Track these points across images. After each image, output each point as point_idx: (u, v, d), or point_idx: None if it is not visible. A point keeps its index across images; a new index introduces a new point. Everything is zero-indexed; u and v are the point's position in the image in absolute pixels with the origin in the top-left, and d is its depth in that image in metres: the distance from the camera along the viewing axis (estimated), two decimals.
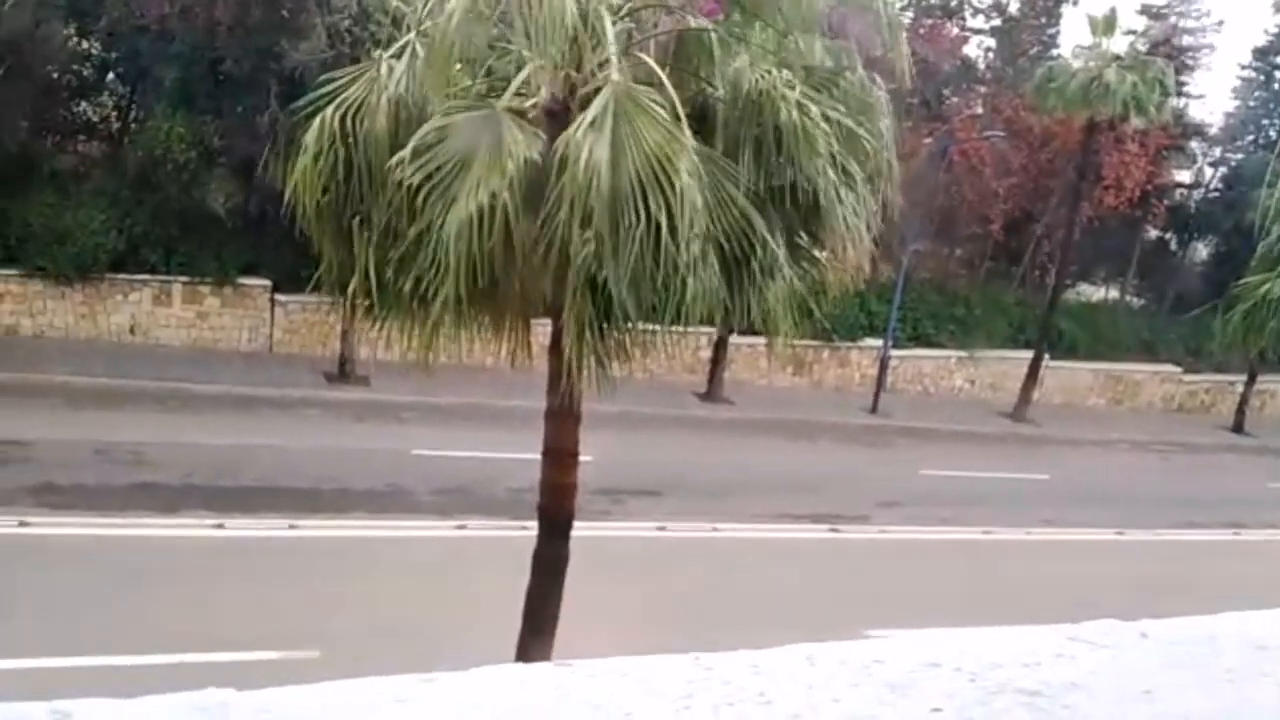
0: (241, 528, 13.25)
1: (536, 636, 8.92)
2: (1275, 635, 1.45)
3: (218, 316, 22.30)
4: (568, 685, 1.09)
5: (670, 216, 6.91)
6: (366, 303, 8.30)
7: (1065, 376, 29.70)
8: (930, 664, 1.24)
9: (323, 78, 8.38)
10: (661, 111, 7.22)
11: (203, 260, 21.66)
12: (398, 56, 8.03)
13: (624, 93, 7.18)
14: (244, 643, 9.29)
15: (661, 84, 7.49)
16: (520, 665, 1.12)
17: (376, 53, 8.63)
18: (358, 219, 8.00)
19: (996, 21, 31.72)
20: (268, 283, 22.12)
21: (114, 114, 23.65)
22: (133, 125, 22.75)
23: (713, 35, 8.29)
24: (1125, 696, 1.24)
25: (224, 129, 20.57)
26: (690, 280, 7.12)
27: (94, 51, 22.07)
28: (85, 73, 22.34)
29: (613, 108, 7.05)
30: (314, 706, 1.02)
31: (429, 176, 7.23)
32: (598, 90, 7.28)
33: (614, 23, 7.93)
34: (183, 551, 12.37)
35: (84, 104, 23.18)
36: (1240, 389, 29.97)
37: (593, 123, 7.04)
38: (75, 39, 21.49)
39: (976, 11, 31.68)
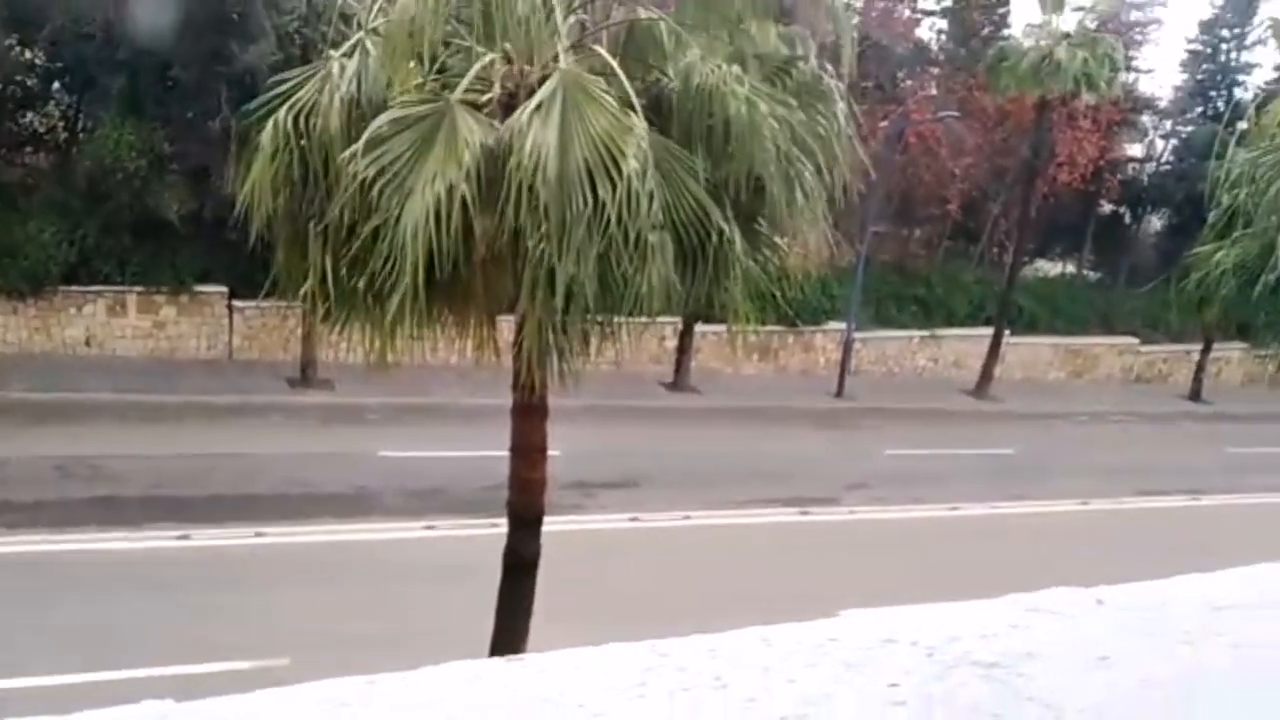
0: (208, 538, 13.08)
1: (510, 634, 8.88)
2: (1229, 596, 1.46)
3: (175, 325, 21.95)
4: (517, 681, 1.07)
5: (620, 203, 6.89)
6: (325, 304, 8.19)
7: (1025, 352, 30.07)
8: (886, 640, 1.23)
9: (274, 79, 8.25)
10: (610, 99, 7.19)
11: (157, 269, 21.30)
12: (349, 55, 7.92)
13: (572, 80, 7.15)
14: (214, 653, 9.17)
15: (614, 74, 7.46)
16: (468, 662, 1.10)
17: (327, 53, 8.51)
18: (311, 220, 7.90)
19: (948, 3, 31.92)
20: (225, 289, 21.79)
21: (61, 124, 23.14)
22: (81, 135, 22.29)
23: (663, 26, 8.26)
24: (1082, 664, 1.24)
25: (174, 135, 20.23)
26: (647, 269, 7.10)
27: (38, 61, 21.58)
28: (30, 83, 21.84)
29: (560, 94, 7.02)
30: (254, 714, 0.99)
31: (383, 170, 7.15)
32: (545, 79, 7.24)
33: (566, 16, 7.89)
34: (148, 564, 12.18)
35: (30, 115, 22.68)
36: (1196, 358, 30.50)
37: (539, 107, 7.01)
38: (18, 49, 21.01)
39: None
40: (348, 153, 7.19)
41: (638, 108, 7.34)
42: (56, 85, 22.59)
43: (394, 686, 1.04)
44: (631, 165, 6.94)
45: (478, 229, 7.34)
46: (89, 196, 20.24)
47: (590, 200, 6.91)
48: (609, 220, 6.92)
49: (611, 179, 6.93)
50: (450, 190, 7.00)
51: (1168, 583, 1.50)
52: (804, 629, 1.25)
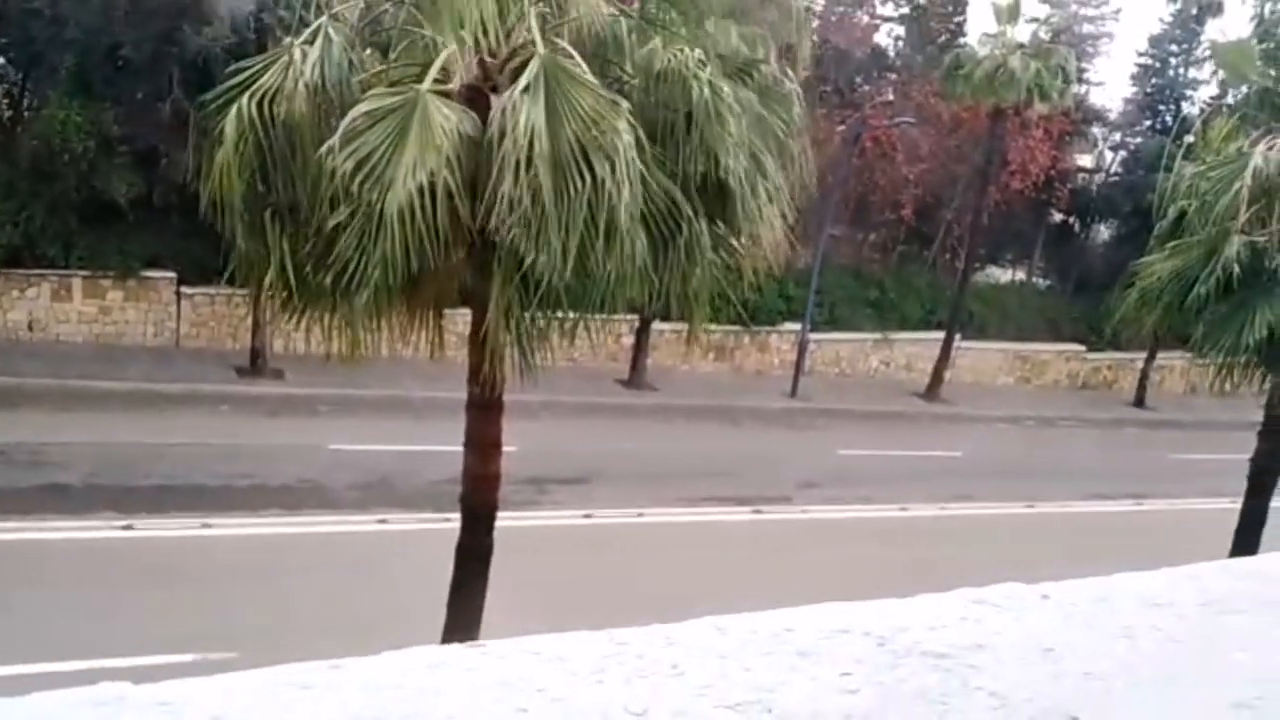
0: (152, 528, 12.85)
1: (461, 629, 8.84)
2: (1166, 592, 1.52)
3: (121, 310, 21.52)
4: (479, 666, 1.08)
5: (617, 181, 6.92)
6: (284, 295, 8.09)
7: (975, 356, 30.55)
8: (840, 630, 1.26)
9: (234, 66, 8.11)
10: (592, 79, 7.21)
11: (104, 253, 20.86)
12: (310, 42, 7.82)
13: (552, 62, 7.15)
14: (158, 646, 9.00)
15: (578, 66, 7.46)
16: (430, 648, 1.11)
17: (286, 39, 8.40)
18: (270, 210, 7.80)
19: (906, 9, 32.33)
20: (173, 275, 21.42)
21: (5, 101, 22.57)
22: (26, 113, 21.76)
23: (623, 21, 8.28)
24: (1028, 655, 1.28)
25: (124, 116, 19.81)
26: (621, 257, 7.13)
27: None
28: None
29: (542, 76, 7.02)
30: (215, 697, 0.99)
31: (361, 163, 7.07)
32: (524, 64, 7.22)
33: (532, 4, 7.86)
34: (90, 554, 11.94)
35: None
36: (1140, 365, 31.20)
37: (526, 89, 6.99)
38: None
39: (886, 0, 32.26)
40: (325, 147, 7.10)
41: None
42: (1, 61, 22.04)
43: (357, 670, 1.04)
44: (625, 139, 6.96)
45: (462, 216, 7.31)
46: (34, 177, 19.76)
47: (587, 177, 6.91)
48: (604, 200, 6.93)
49: (607, 155, 6.95)
50: (432, 177, 6.96)
51: (1110, 579, 1.55)
52: (759, 619, 1.27)
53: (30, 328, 20.79)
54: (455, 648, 1.12)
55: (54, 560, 11.58)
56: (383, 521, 14.03)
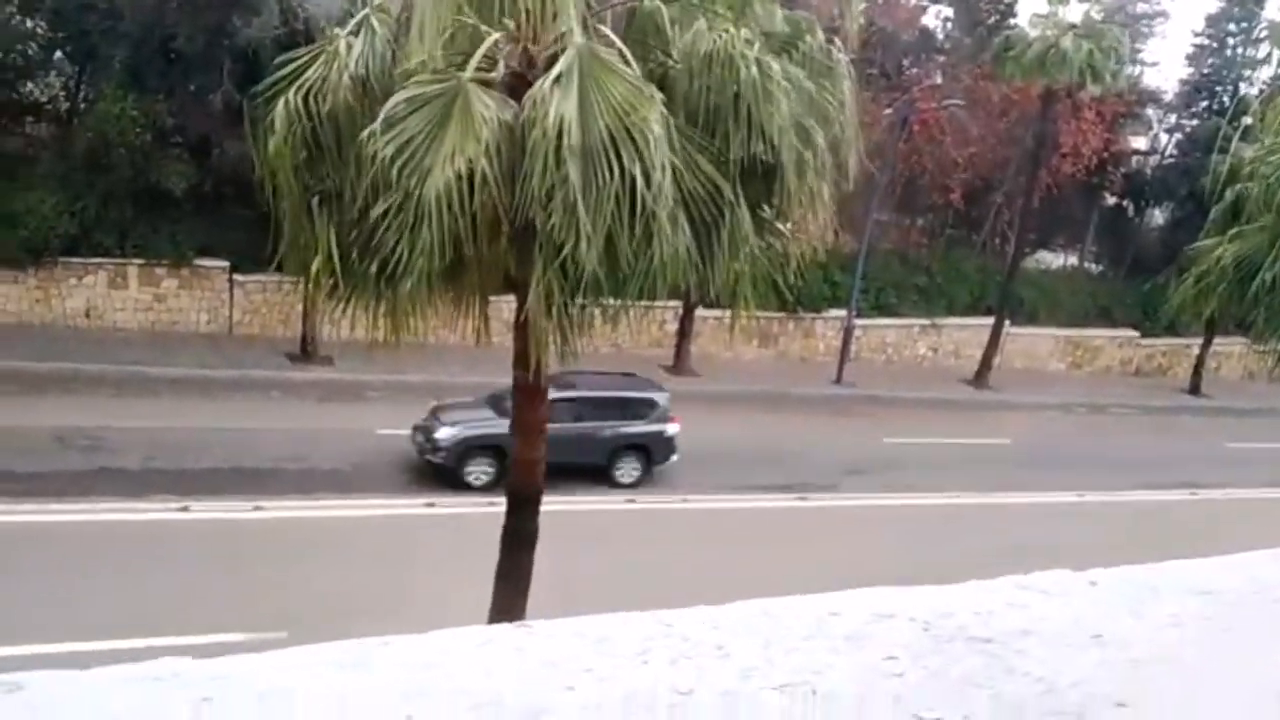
0: (206, 510, 13.14)
1: (507, 610, 8.94)
2: (1217, 581, 1.49)
3: (175, 298, 21.96)
4: (526, 645, 1.09)
5: (645, 171, 6.91)
6: (331, 282, 8.20)
7: (1025, 342, 30.09)
8: (884, 615, 1.26)
9: (281, 59, 8.22)
10: (627, 70, 7.19)
11: (158, 242, 21.29)
12: (355, 34, 7.90)
13: (586, 51, 7.14)
14: (211, 625, 9.23)
15: (621, 54, 7.45)
16: (478, 628, 1.13)
17: (332, 29, 8.48)
18: (317, 198, 7.90)
19: None
20: (225, 263, 21.80)
21: (62, 94, 23.07)
22: (82, 106, 22.23)
23: (663, 8, 8.23)
24: (1075, 641, 1.27)
25: (176, 108, 20.17)
26: (661, 243, 7.12)
27: (40, 30, 21.49)
28: (31, 52, 21.74)
29: (576, 66, 7.01)
30: (270, 673, 1.02)
31: (401, 149, 7.14)
32: (560, 54, 7.23)
33: None
34: (147, 536, 12.24)
35: (31, 84, 22.59)
36: (1196, 352, 30.52)
37: (557, 79, 6.99)
38: (19, 17, 20.92)
39: None
40: (365, 132, 7.18)
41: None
42: (58, 55, 22.50)
43: (406, 648, 1.06)
44: (655, 131, 6.94)
45: (502, 204, 7.35)
46: (89, 168, 20.20)
47: (616, 169, 6.91)
48: (634, 187, 6.92)
49: (635, 145, 6.94)
50: (470, 164, 7.00)
51: (1159, 567, 1.53)
52: (805, 603, 1.27)
53: (88, 315, 21.29)
54: (503, 627, 1.13)
55: (112, 541, 11.88)
56: (430, 505, 14.20)
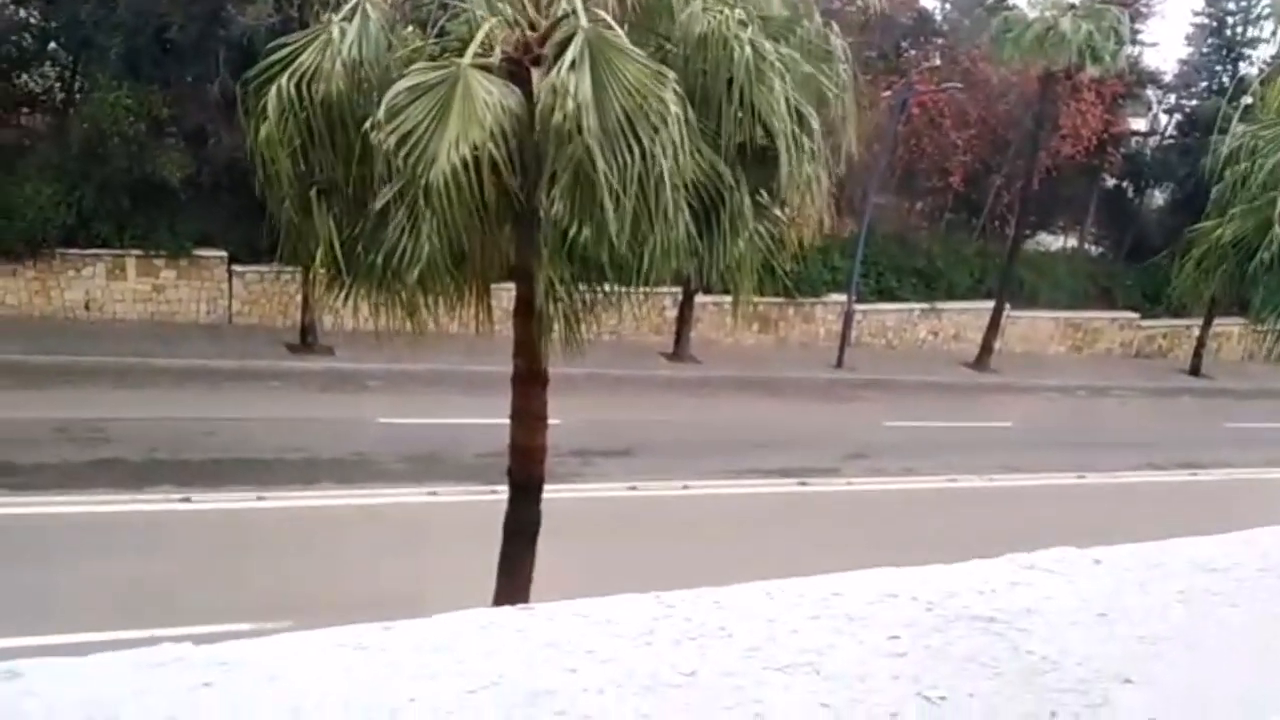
0: (209, 501, 13.15)
1: (510, 599, 8.95)
2: (1224, 558, 1.49)
3: (174, 289, 21.94)
4: (528, 627, 1.09)
5: (664, 150, 6.90)
6: (332, 272, 8.19)
7: (1026, 325, 30.08)
8: (888, 595, 1.25)
9: (273, 44, 8.17)
10: (637, 50, 7.17)
11: (156, 233, 21.25)
12: (349, 19, 7.85)
13: (596, 35, 7.11)
14: (216, 615, 9.24)
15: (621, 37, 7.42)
16: (481, 610, 1.12)
17: (325, 16, 8.44)
18: (316, 189, 7.87)
19: None
20: (224, 254, 21.78)
21: (57, 85, 22.99)
22: (77, 96, 22.15)
23: None
24: (1080, 620, 1.26)
25: (172, 98, 20.11)
26: (665, 227, 7.11)
27: (33, 20, 21.42)
28: (25, 42, 21.68)
29: (586, 50, 6.99)
30: (271, 658, 1.01)
31: (404, 138, 7.11)
32: (569, 39, 7.19)
33: None
34: (150, 527, 12.25)
35: (25, 75, 22.51)
36: (1197, 333, 30.52)
37: (572, 65, 6.97)
38: (13, 7, 20.84)
39: None
40: (369, 123, 7.15)
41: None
42: (53, 45, 22.43)
43: (409, 631, 1.06)
44: (673, 110, 6.93)
45: (508, 190, 7.33)
46: (86, 159, 20.15)
47: (637, 150, 6.90)
48: (652, 172, 6.91)
49: (652, 125, 6.93)
50: (476, 151, 6.98)
51: (1164, 544, 1.53)
52: (807, 584, 1.27)
53: (87, 307, 21.28)
54: (505, 610, 1.13)
55: (115, 533, 11.90)
56: (433, 494, 14.22)
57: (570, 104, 6.85)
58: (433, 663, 1.01)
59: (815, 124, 7.98)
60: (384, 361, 18.42)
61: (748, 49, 7.52)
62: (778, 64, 7.62)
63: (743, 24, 7.64)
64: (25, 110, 23.01)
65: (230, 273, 22.09)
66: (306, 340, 20.88)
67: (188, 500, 13.07)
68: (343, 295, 8.44)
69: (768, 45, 7.63)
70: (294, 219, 8.08)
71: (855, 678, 1.07)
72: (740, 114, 7.61)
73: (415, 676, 0.99)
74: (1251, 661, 1.21)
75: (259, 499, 13.41)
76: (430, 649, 1.04)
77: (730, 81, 7.60)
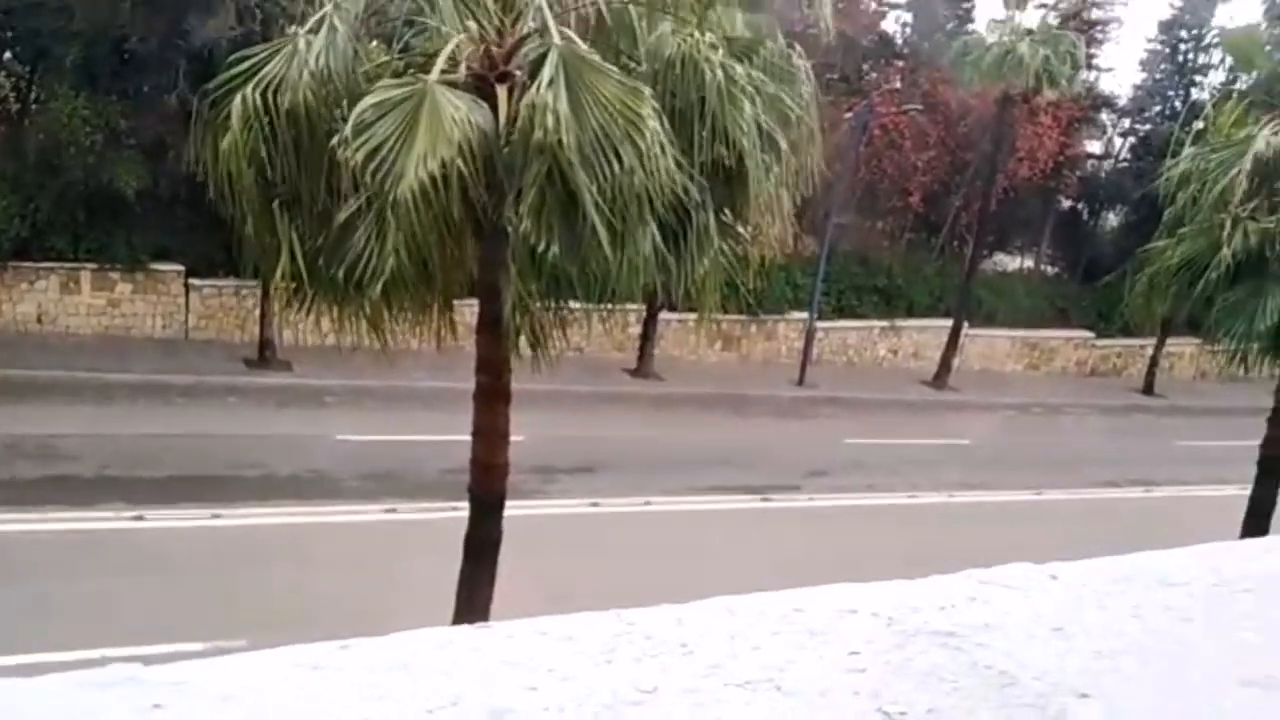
0: (162, 519, 12.90)
1: (470, 617, 8.87)
2: (1180, 572, 1.51)
3: (130, 303, 21.58)
4: (485, 646, 1.08)
5: (643, 166, 6.92)
6: (294, 286, 8.10)
7: (984, 344, 30.48)
8: (848, 610, 1.26)
9: (236, 55, 8.09)
10: (612, 67, 7.19)
11: (112, 246, 20.91)
12: (315, 31, 7.80)
13: (570, 52, 7.13)
14: (169, 635, 9.05)
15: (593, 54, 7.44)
16: (438, 629, 1.11)
17: (291, 28, 8.38)
18: (278, 201, 7.79)
19: None
20: (180, 268, 21.48)
21: (13, 95, 22.61)
22: (33, 106, 21.79)
23: (633, 10, 8.24)
24: (1037, 635, 1.27)
25: (130, 109, 19.82)
26: (635, 245, 7.13)
27: None
28: None
29: (561, 67, 7.00)
30: (225, 678, 0.99)
31: (371, 154, 7.06)
32: (542, 57, 7.18)
33: None
34: (101, 545, 11.99)
35: None
36: (1150, 352, 31.09)
37: (550, 82, 6.96)
38: None
39: None
40: (336, 139, 7.09)
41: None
42: (7, 55, 22.07)
43: (365, 651, 1.04)
44: (650, 125, 6.95)
45: (475, 206, 7.30)
46: (41, 170, 19.80)
47: (617, 167, 6.90)
48: (628, 189, 6.92)
49: (634, 143, 6.94)
50: (445, 168, 6.94)
51: (1120, 559, 1.55)
52: (769, 599, 1.27)
53: (39, 320, 20.87)
54: (463, 629, 1.12)
55: (65, 551, 11.64)
56: (391, 511, 14.07)
57: (550, 120, 6.85)
58: (390, 682, 1.00)
59: (783, 144, 8.06)
60: (343, 377, 18.25)
61: (719, 72, 7.58)
62: (748, 87, 7.69)
63: (713, 47, 7.70)
64: None
65: (187, 287, 21.79)
66: (265, 355, 20.63)
67: (140, 519, 12.82)
68: (304, 309, 8.35)
69: (738, 68, 7.70)
70: (255, 231, 7.99)
71: (816, 693, 1.07)
72: (709, 134, 7.66)
73: (372, 697, 0.97)
74: (1206, 676, 1.23)
75: (214, 517, 13.19)
76: (387, 668, 1.02)
77: (702, 102, 7.65)
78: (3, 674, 1.02)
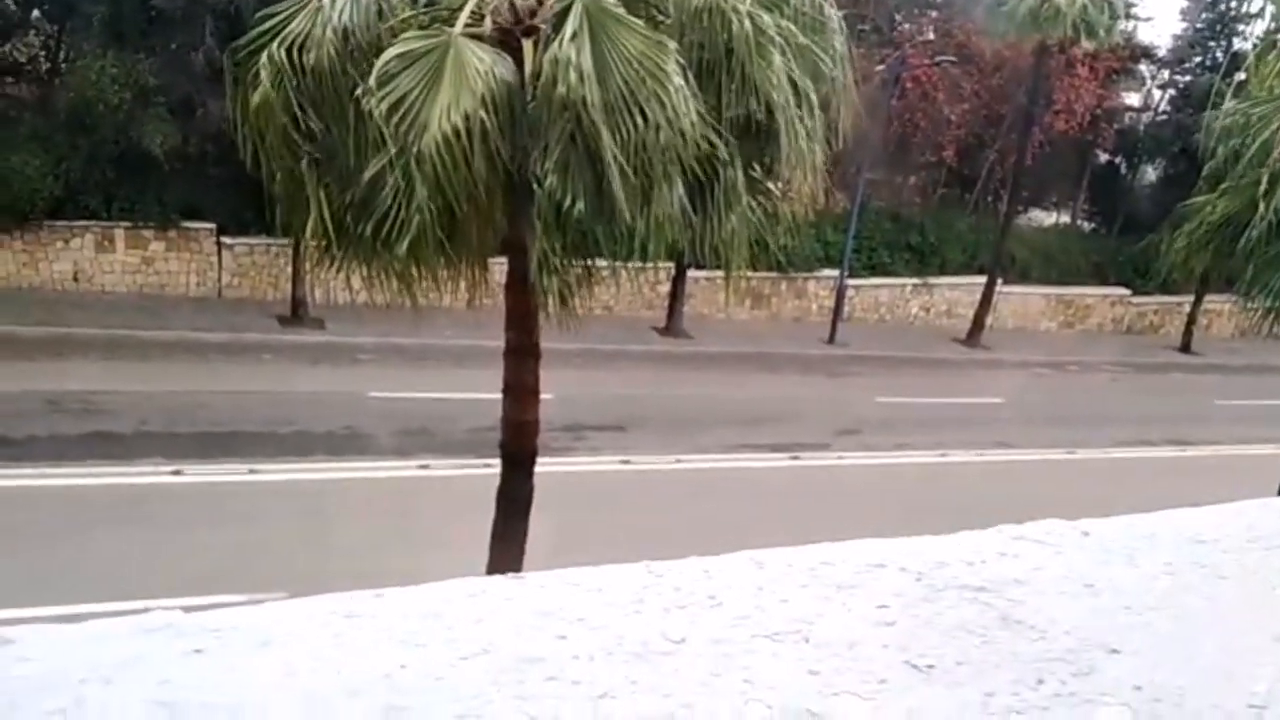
0: (200, 474, 13.14)
1: (503, 571, 8.97)
2: (1211, 530, 1.50)
3: (163, 261, 21.81)
4: (518, 595, 1.09)
5: (669, 121, 6.87)
6: (324, 243, 8.14)
7: (1018, 301, 30.13)
8: (877, 565, 1.26)
9: (261, 13, 8.08)
10: (636, 20, 7.11)
11: (144, 204, 21.09)
12: None
13: (594, 6, 7.06)
14: (209, 587, 9.26)
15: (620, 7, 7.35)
16: (471, 579, 1.13)
17: None
18: (306, 158, 7.81)
19: None
20: (212, 226, 21.65)
21: (42, 54, 22.72)
22: (63, 65, 21.90)
23: None
24: (1067, 590, 1.27)
25: (158, 67, 19.86)
26: (662, 201, 7.09)
27: None
28: (9, 10, 21.39)
29: (585, 21, 6.94)
30: (263, 625, 1.01)
31: (395, 105, 7.06)
32: (566, 10, 7.12)
33: None
34: (142, 499, 12.25)
35: (9, 44, 22.24)
36: (1187, 309, 30.61)
37: (573, 36, 6.91)
38: None
39: None
40: (360, 89, 7.09)
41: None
42: (36, 13, 22.14)
43: (400, 599, 1.06)
44: (675, 81, 6.89)
45: (500, 160, 7.29)
46: (72, 129, 19.95)
47: (641, 122, 6.86)
48: (654, 144, 6.87)
49: (659, 97, 6.89)
50: (468, 120, 6.93)
51: (1153, 516, 1.54)
52: (797, 553, 1.27)
53: (75, 278, 21.15)
54: (495, 579, 1.13)
55: (106, 505, 11.90)
56: (424, 467, 14.23)
57: (573, 75, 6.80)
58: (423, 630, 1.02)
59: (814, 98, 7.94)
60: (375, 335, 18.40)
61: (746, 22, 7.46)
62: (777, 37, 7.57)
63: None
64: (10, 80, 22.74)
65: (220, 245, 21.96)
66: (297, 313, 20.81)
67: (179, 473, 13.06)
68: (335, 266, 8.40)
69: (766, 18, 7.58)
70: (284, 189, 8.03)
71: (844, 645, 1.08)
72: (738, 87, 7.56)
73: (406, 643, 0.99)
74: (1237, 632, 1.22)
75: (250, 472, 13.41)
76: (421, 616, 1.04)
77: (730, 54, 7.55)
78: (47, 623, 1.05)
